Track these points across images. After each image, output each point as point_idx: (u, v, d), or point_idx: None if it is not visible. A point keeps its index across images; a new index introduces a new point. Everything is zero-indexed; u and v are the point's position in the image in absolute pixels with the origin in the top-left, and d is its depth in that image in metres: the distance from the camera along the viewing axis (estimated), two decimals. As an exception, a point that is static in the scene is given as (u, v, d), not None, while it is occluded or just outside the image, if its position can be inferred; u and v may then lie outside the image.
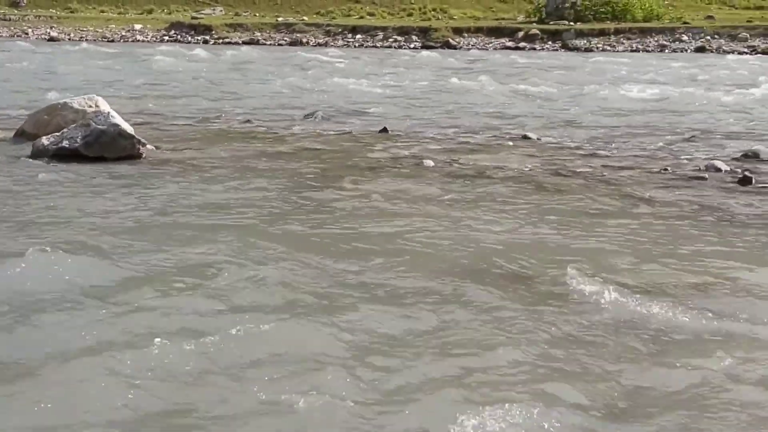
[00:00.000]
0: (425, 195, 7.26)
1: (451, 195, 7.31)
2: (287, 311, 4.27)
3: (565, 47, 40.13)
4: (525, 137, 11.33)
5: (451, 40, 42.38)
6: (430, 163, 9.10)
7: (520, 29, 43.52)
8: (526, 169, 8.88)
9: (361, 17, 49.76)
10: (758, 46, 38.70)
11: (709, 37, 41.08)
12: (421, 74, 22.91)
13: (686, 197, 7.46)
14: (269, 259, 5.14)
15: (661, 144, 10.94)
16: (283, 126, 12.19)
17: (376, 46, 40.86)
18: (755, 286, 4.87)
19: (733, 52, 37.12)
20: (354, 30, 45.47)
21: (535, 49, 39.76)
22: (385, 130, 11.78)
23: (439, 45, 41.16)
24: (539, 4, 47.05)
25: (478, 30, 44.88)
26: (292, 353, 3.77)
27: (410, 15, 51.22)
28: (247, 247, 5.34)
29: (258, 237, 5.64)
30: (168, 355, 3.65)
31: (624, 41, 41.84)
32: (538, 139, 11.18)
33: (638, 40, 41.80)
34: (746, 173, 8.21)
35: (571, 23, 43.97)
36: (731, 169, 8.64)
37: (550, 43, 41.77)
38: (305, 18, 49.41)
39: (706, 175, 8.53)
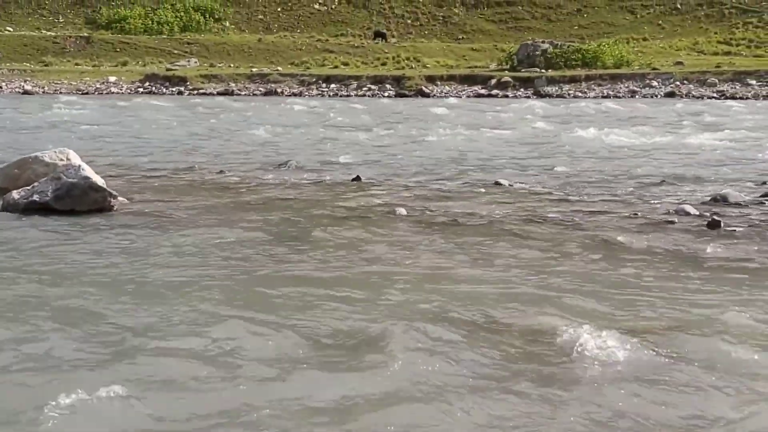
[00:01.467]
0: (397, 243, 7.25)
1: (423, 243, 7.32)
2: (252, 368, 4.44)
3: (537, 94, 40.63)
4: (497, 183, 11.35)
5: (424, 88, 42.79)
6: (402, 211, 9.01)
7: (492, 77, 44.22)
8: (498, 215, 8.90)
9: (336, 66, 50.33)
10: (726, 91, 39.86)
11: (678, 83, 42.12)
12: (394, 122, 23.13)
13: (656, 241, 7.55)
14: (236, 316, 5.23)
15: (631, 188, 10.97)
16: (257, 176, 12.06)
17: (350, 95, 41.16)
18: (725, 328, 5.04)
19: (702, 97, 38.27)
20: (328, 79, 45.75)
21: (507, 96, 40.25)
22: (358, 178, 11.72)
23: (412, 93, 41.82)
24: (511, 52, 48.25)
25: (451, 78, 45.57)
26: (258, 411, 3.89)
27: (384, 64, 51.39)
28: (217, 304, 5.44)
29: (227, 293, 5.69)
30: (132, 409, 3.72)
31: (595, 87, 42.22)
32: (510, 185, 11.16)
33: (609, 86, 42.24)
34: (714, 217, 8.36)
35: (543, 70, 44.76)
36: (700, 213, 8.75)
37: (522, 90, 42.13)
38: (280, 68, 49.44)
39: (676, 219, 8.58)
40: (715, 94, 38.65)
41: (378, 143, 17.17)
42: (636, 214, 8.89)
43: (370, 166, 13.32)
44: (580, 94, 40.50)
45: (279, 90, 43.75)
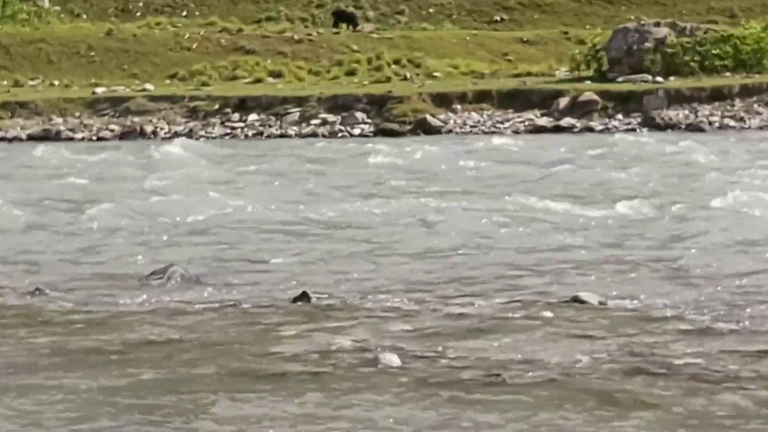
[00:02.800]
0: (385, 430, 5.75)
1: (435, 426, 5.56)
2: None
3: (649, 124, 29.71)
4: (577, 300, 8.78)
5: (430, 118, 30.68)
6: (392, 361, 6.79)
7: (561, 92, 31.69)
8: (582, 366, 6.68)
9: (258, 80, 36.57)
10: None
11: None
12: (371, 187, 18.30)
13: None
14: None
15: None
16: (107, 299, 9.52)
17: (287, 135, 31.03)
18: None
19: None
20: (243, 105, 32.78)
21: (591, 129, 29.64)
22: (304, 297, 9.11)
23: (407, 128, 30.46)
24: (596, 45, 35.50)
25: (483, 97, 31.79)
26: None
27: (352, 74, 36.94)
28: None
29: None
30: None
31: (760, 109, 30.12)
32: (600, 303, 8.67)
33: None
34: None
35: (658, 78, 32.30)
36: None
37: (620, 116, 30.23)
38: (149, 86, 35.76)
39: None
40: None
41: (341, 226, 13.60)
42: None
43: (327, 275, 10.44)
44: (731, 123, 29.31)
45: (148, 128, 31.95)
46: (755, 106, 29.43)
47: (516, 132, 28.49)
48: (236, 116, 31.36)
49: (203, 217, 15.09)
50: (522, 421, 5.82)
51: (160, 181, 19.43)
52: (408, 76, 34.24)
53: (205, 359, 7.34)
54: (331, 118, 30.42)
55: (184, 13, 39.69)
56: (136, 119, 31.69)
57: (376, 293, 9.61)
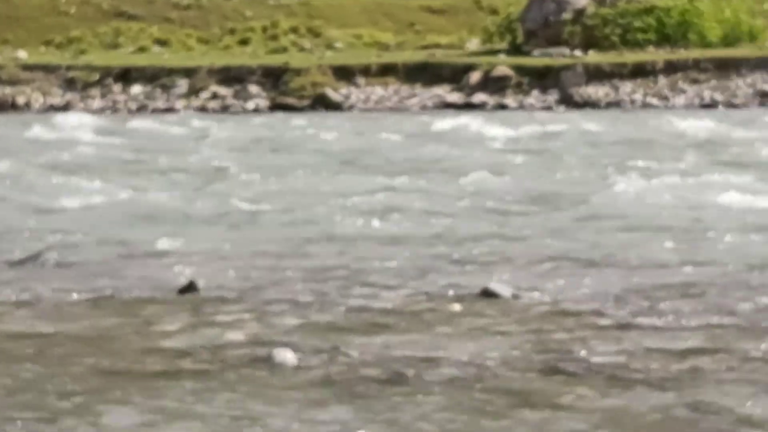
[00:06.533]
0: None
1: (332, 428, 5.38)
2: None
3: (567, 102, 28.82)
4: (487, 292, 8.19)
5: (330, 93, 29.68)
6: (287, 358, 6.40)
7: (473, 66, 30.54)
8: (490, 363, 6.35)
9: (142, 49, 35.36)
10: None
11: None
12: (267, 164, 17.39)
13: None
14: None
15: (766, 298, 8.01)
16: None
17: (173, 109, 30.06)
18: None
19: None
20: (126, 76, 31.61)
21: (505, 106, 28.83)
22: (191, 287, 8.50)
23: (306, 103, 29.47)
24: (510, 16, 34.57)
25: (389, 70, 30.63)
26: None
27: (245, 43, 35.76)
28: None
29: None
30: None
31: (685, 87, 29.22)
32: (513, 295, 8.20)
33: (713, 83, 29.26)
34: None
35: (577, 51, 31.38)
36: None
37: (536, 92, 29.28)
38: (22, 54, 34.14)
39: None
40: None
41: (232, 210, 12.72)
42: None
43: (219, 263, 9.75)
44: (655, 102, 28.36)
45: (21, 100, 31.06)
46: (680, 83, 28.25)
47: (425, 107, 27.42)
48: (118, 88, 30.32)
49: (82, 200, 14.55)
50: (427, 423, 5.66)
51: (34, 158, 18.80)
52: (307, 46, 33.08)
53: (80, 355, 7.11)
54: (222, 91, 29.64)
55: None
56: (7, 90, 30.52)
57: (272, 283, 9.30)
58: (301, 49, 32.71)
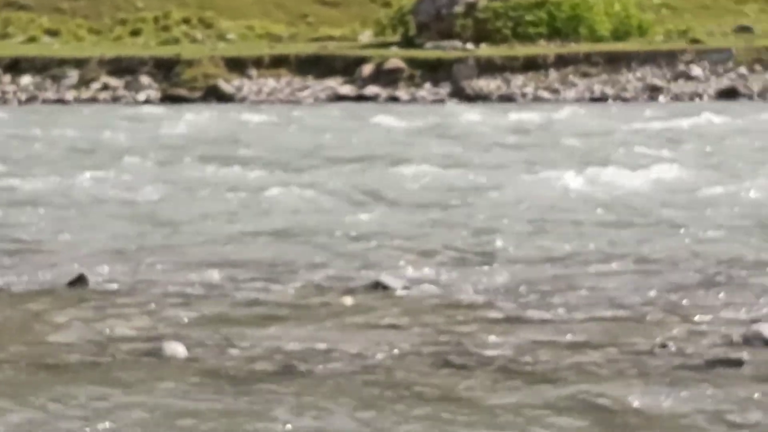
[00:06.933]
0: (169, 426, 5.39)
1: (221, 421, 5.24)
2: None
3: (459, 95, 28.72)
4: (379, 285, 8.21)
5: (222, 84, 29.43)
6: (177, 351, 6.37)
7: (365, 59, 30.45)
8: (380, 356, 6.35)
9: (32, 39, 34.77)
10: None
11: (744, 70, 30.10)
12: (162, 157, 17.00)
13: (707, 404, 5.41)
14: None
15: (654, 291, 7.94)
16: None
17: (63, 100, 29.51)
18: None
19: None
20: (15, 67, 31.13)
21: (396, 99, 28.86)
22: (80, 280, 8.45)
23: (198, 95, 29.22)
24: (402, 9, 34.77)
25: (281, 62, 30.55)
26: None
27: (137, 34, 35.39)
28: None
29: None
30: None
31: (576, 80, 29.49)
32: (404, 287, 8.18)
33: (604, 77, 29.54)
34: None
35: (468, 45, 31.46)
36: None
37: (428, 86, 29.16)
38: None
39: (744, 356, 6.19)
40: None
41: (125, 204, 12.54)
42: (665, 346, 6.42)
43: (109, 255, 9.61)
44: (546, 95, 28.60)
45: None
46: (570, 77, 28.56)
47: (318, 101, 27.46)
48: (7, 78, 30.09)
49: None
50: (317, 417, 5.61)
51: None
52: (199, 37, 33.12)
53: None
54: (113, 82, 29.47)
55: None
56: None
57: (162, 276, 9.16)
58: (193, 41, 32.73)
